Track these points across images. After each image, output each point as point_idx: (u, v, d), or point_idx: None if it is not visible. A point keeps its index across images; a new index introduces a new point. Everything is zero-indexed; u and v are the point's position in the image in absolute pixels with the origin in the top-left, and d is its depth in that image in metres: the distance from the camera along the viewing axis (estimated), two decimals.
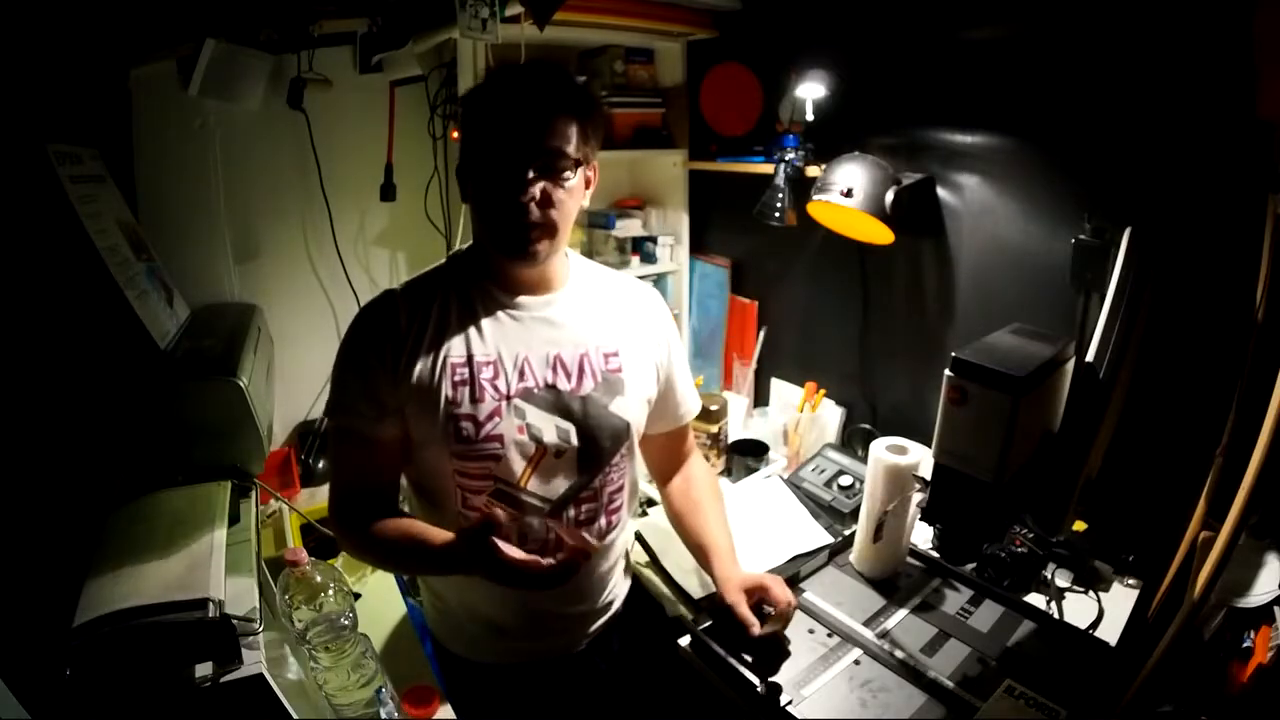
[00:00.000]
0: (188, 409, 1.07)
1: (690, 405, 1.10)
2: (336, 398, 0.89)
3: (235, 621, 0.77)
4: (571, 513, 0.93)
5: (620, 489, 0.98)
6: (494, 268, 0.91)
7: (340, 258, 1.73)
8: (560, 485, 0.91)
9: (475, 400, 0.86)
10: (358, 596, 1.30)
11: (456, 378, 0.86)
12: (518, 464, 0.88)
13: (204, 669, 0.76)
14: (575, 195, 0.87)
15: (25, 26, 1.14)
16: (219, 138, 1.52)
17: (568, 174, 0.84)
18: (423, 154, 1.75)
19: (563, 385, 0.90)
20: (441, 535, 0.84)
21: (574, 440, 0.90)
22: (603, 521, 0.97)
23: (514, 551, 0.73)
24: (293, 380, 1.71)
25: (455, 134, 1.57)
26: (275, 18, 1.47)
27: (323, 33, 1.55)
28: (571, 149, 0.83)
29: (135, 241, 1.21)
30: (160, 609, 0.74)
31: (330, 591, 0.96)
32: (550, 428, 0.89)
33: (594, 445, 0.92)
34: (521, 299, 0.91)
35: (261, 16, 1.45)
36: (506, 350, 0.89)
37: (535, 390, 0.89)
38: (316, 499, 1.66)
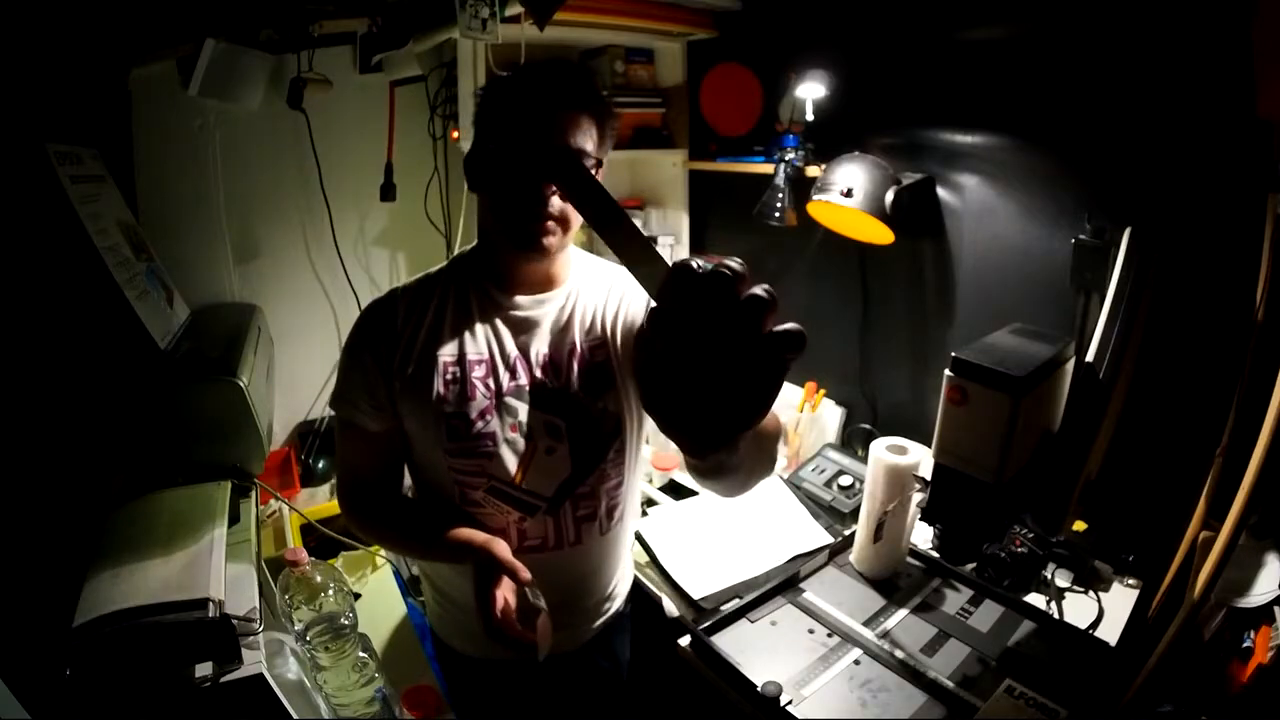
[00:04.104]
0: (188, 409, 1.07)
1: None
2: (338, 389, 0.93)
3: (235, 621, 0.77)
4: (569, 509, 0.94)
5: (618, 485, 0.98)
6: (497, 266, 0.91)
7: (340, 258, 1.73)
8: (555, 482, 0.92)
9: (466, 399, 0.88)
10: (358, 596, 1.30)
11: (448, 376, 0.88)
12: (510, 461, 0.89)
13: (204, 669, 0.76)
14: None
15: (25, 27, 1.14)
16: (219, 138, 1.53)
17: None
18: (423, 154, 1.75)
19: (552, 382, 0.91)
20: (456, 536, 0.87)
21: (565, 437, 0.91)
22: (602, 519, 0.97)
23: (502, 599, 0.79)
24: (293, 380, 1.71)
25: (455, 134, 1.57)
26: (275, 18, 1.47)
27: (323, 33, 1.55)
28: (592, 149, 0.84)
29: (135, 241, 1.21)
30: (160, 609, 0.74)
31: (330, 591, 0.96)
32: (540, 425, 0.90)
33: (586, 441, 0.92)
34: (518, 298, 0.92)
35: (261, 16, 1.45)
36: (499, 349, 0.90)
37: (526, 388, 0.90)
38: (316, 499, 1.66)
